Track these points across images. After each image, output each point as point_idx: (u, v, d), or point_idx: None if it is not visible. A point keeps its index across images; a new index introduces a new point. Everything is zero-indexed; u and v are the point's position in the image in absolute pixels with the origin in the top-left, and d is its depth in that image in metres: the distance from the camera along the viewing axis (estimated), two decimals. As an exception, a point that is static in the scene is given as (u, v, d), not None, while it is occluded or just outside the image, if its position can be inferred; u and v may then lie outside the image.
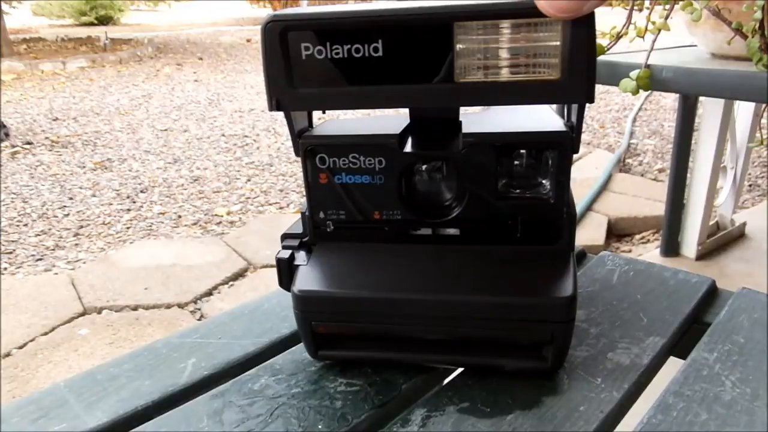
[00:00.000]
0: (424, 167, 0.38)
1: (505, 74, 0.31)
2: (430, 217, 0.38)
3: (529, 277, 0.36)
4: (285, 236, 0.40)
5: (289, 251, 0.39)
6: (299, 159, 0.39)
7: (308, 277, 0.37)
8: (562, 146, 0.35)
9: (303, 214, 0.40)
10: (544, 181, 0.37)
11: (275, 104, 0.34)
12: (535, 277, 0.36)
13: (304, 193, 0.39)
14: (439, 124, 0.38)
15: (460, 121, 0.38)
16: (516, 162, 0.37)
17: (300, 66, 0.32)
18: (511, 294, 0.35)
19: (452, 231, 0.38)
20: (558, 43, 0.30)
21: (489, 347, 0.37)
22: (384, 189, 0.37)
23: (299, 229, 0.40)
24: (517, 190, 0.37)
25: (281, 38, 0.32)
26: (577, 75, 0.31)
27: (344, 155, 0.37)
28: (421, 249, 0.38)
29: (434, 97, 0.33)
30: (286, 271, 0.38)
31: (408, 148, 0.37)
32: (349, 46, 0.31)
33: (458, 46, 0.31)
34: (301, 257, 0.39)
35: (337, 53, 0.32)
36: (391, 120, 0.40)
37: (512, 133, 0.36)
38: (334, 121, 0.42)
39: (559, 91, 0.31)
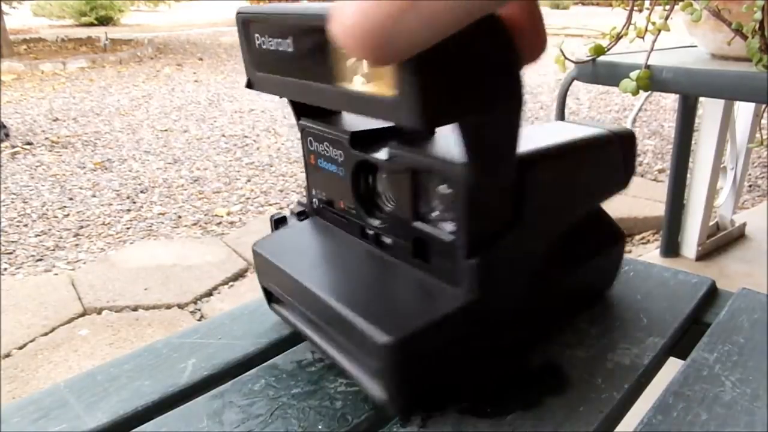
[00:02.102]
0: (380, 170, 0.38)
1: (358, 83, 0.29)
2: (373, 219, 0.39)
3: (398, 307, 0.34)
4: (299, 202, 0.45)
5: (287, 214, 0.44)
6: (300, 160, 0.40)
7: (271, 241, 0.43)
8: (454, 181, 0.32)
9: (306, 187, 0.45)
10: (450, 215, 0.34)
11: (247, 83, 0.38)
12: (402, 310, 0.34)
13: None
14: (404, 131, 0.37)
15: (430, 132, 0.36)
16: (442, 186, 0.34)
17: (257, 53, 0.36)
18: (359, 313, 0.33)
19: (387, 239, 0.38)
20: None
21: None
22: (343, 181, 0.40)
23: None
24: (433, 216, 0.35)
25: (244, 28, 0.36)
26: (409, 94, 0.26)
27: (321, 142, 0.41)
28: (361, 247, 0.40)
29: (323, 98, 0.32)
30: (273, 230, 0.44)
31: (356, 146, 0.38)
32: (275, 39, 0.34)
33: (333, 50, 0.30)
34: (291, 222, 0.44)
35: (271, 45, 0.34)
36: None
37: (420, 154, 0.34)
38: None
39: (394, 109, 0.27)
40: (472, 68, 0.26)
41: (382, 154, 0.36)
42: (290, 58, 0.33)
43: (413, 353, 0.32)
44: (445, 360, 0.34)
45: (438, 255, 0.34)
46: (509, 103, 0.28)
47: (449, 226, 0.34)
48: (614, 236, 0.43)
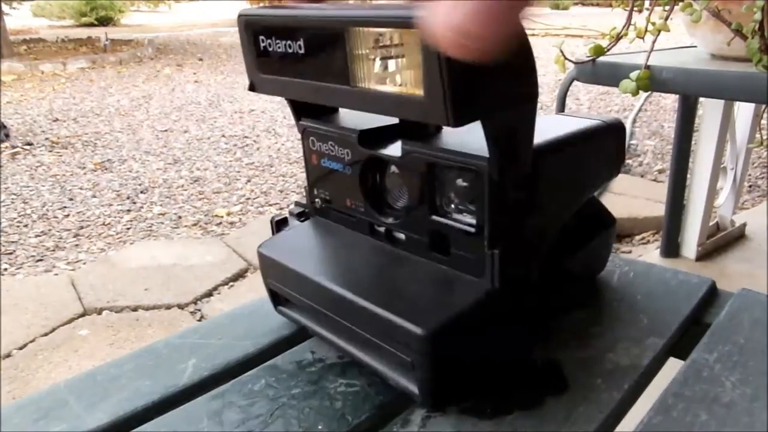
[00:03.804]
0: (390, 167, 0.39)
1: (385, 84, 0.30)
2: (384, 216, 0.39)
3: (423, 299, 0.35)
4: (297, 203, 0.46)
5: (286, 215, 0.44)
6: (300, 161, 0.40)
7: (276, 242, 0.43)
8: (477, 173, 0.33)
9: (305, 187, 0.44)
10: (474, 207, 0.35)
11: (249, 86, 0.38)
12: (428, 302, 0.35)
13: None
14: (408, 127, 0.38)
15: (437, 129, 0.37)
16: (459, 180, 0.35)
17: (261, 55, 0.36)
18: (385, 307, 0.34)
19: (400, 234, 0.39)
20: (420, 59, 0.28)
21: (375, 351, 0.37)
22: (350, 179, 0.40)
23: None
24: (450, 209, 0.36)
25: (247, 30, 0.36)
26: (436, 94, 0.27)
27: (325, 142, 0.41)
28: (369, 243, 0.40)
29: (338, 98, 0.34)
30: (275, 232, 0.44)
31: (365, 144, 0.38)
32: (283, 41, 0.34)
33: (351, 52, 0.31)
34: (293, 223, 0.45)
35: (278, 47, 0.34)
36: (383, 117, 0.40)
37: (438, 150, 0.35)
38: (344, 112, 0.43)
39: (423, 108, 0.29)
40: (495, 67, 0.25)
41: (394, 151, 0.37)
42: (300, 60, 0.33)
43: (446, 343, 0.33)
44: (471, 350, 0.35)
45: (457, 247, 0.36)
46: (528, 99, 0.30)
47: (468, 218, 0.35)
48: (606, 221, 0.46)
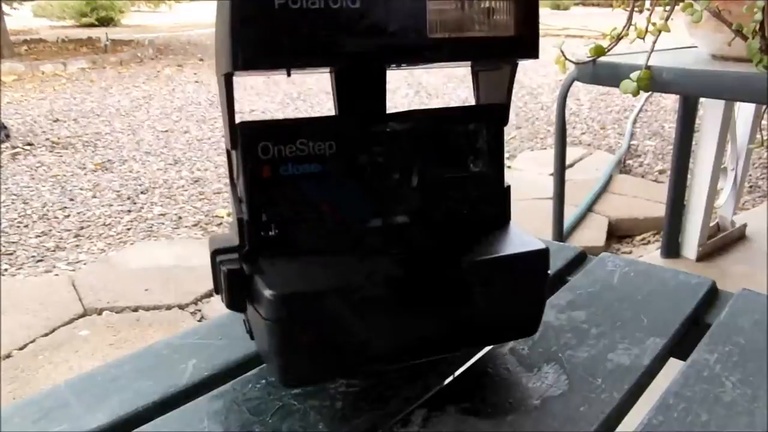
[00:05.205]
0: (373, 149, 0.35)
1: (468, 30, 0.32)
2: (382, 204, 0.36)
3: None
4: (218, 252, 0.34)
5: (236, 264, 0.33)
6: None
7: (278, 279, 0.32)
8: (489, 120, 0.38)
9: (240, 220, 0.33)
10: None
11: (235, 63, 0.30)
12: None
13: (233, 194, 0.34)
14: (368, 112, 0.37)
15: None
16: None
17: (278, 13, 0.29)
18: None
19: (402, 218, 0.36)
20: (512, 1, 0.33)
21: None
22: (334, 176, 0.34)
23: (232, 242, 0.34)
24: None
25: None
26: (528, 32, 0.33)
27: (291, 141, 0.33)
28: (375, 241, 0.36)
29: (408, 54, 0.32)
30: (237, 285, 0.33)
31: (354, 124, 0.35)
32: None
33: (431, 2, 0.31)
34: (254, 268, 0.33)
35: (314, 3, 0.29)
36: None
37: (462, 107, 0.38)
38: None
39: (513, 47, 0.33)
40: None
41: (407, 123, 0.36)
42: (349, 16, 0.29)
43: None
44: None
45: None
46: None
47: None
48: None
